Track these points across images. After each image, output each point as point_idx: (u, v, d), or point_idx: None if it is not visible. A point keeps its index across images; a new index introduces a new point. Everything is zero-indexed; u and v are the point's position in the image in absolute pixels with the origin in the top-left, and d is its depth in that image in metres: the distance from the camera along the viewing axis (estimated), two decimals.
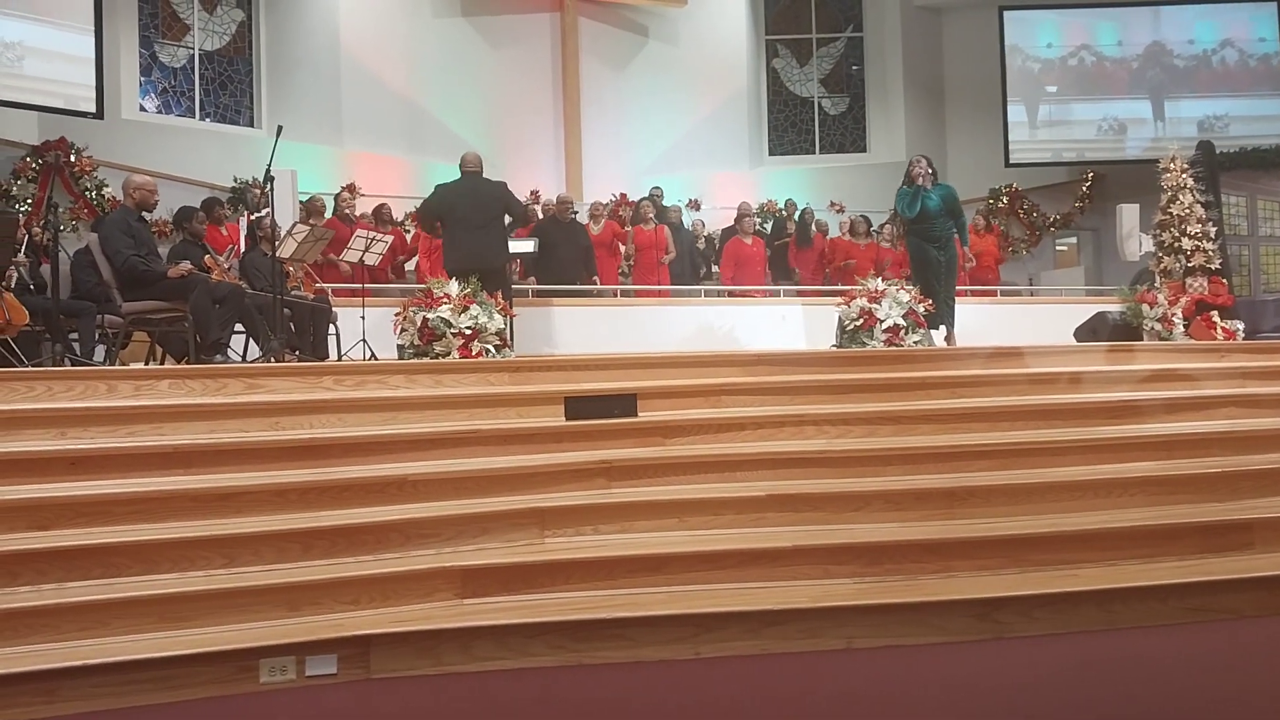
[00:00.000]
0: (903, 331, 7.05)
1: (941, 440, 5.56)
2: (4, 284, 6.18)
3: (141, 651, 3.69)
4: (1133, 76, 14.18)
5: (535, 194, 12.77)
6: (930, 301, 7.45)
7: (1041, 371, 6.44)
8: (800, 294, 10.63)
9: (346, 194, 10.59)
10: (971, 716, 3.42)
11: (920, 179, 7.99)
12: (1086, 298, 11.29)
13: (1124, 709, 3.42)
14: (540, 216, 10.74)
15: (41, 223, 7.26)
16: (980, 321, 9.08)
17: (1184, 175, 9.27)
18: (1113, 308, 8.34)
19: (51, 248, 6.50)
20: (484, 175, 7.81)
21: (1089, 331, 8.31)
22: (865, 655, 4.02)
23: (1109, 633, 4.18)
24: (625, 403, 5.59)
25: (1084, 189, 14.15)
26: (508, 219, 7.81)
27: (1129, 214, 10.98)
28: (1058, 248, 14.82)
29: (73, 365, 5.96)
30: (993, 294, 11.45)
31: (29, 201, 10.10)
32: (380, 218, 10.19)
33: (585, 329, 9.16)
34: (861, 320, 7.11)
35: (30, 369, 5.40)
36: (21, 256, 6.46)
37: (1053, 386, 6.30)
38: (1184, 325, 8.04)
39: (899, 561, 4.53)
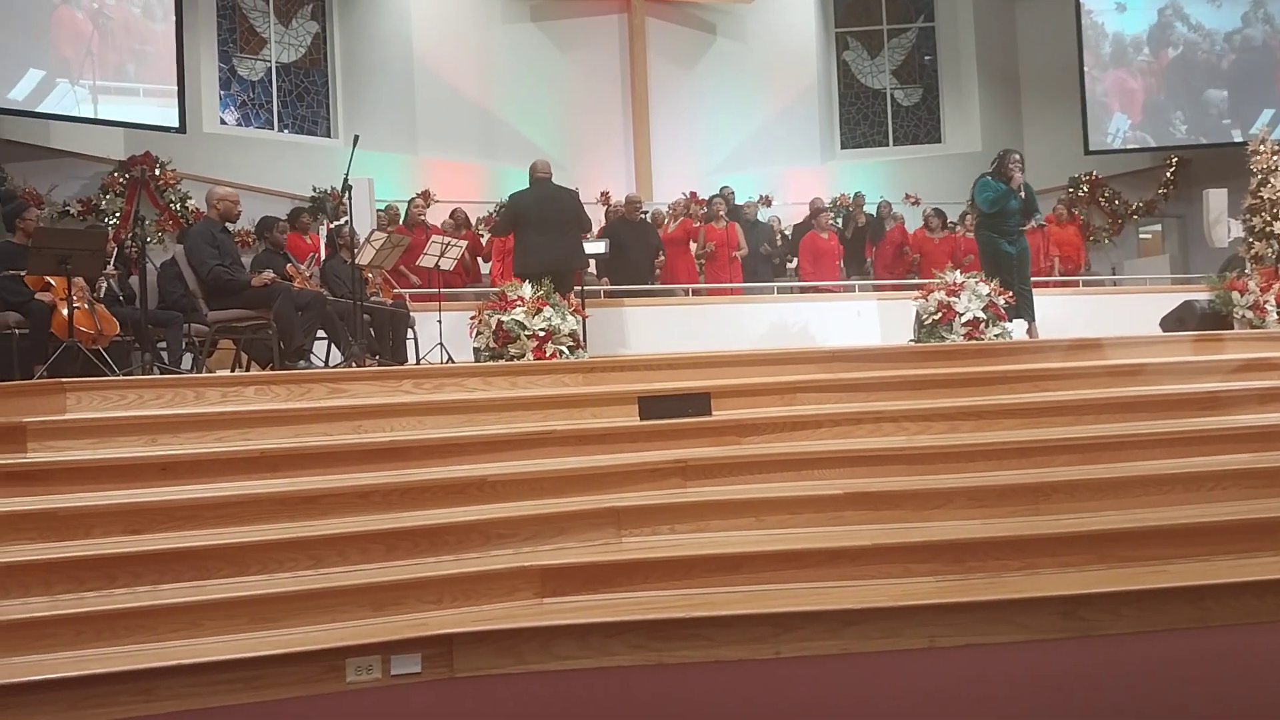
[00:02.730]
0: (982, 325, 6.93)
1: (1024, 435, 5.45)
2: (94, 295, 6.40)
3: (232, 652, 3.78)
4: (1216, 58, 13.74)
5: (605, 195, 12.82)
6: (1010, 294, 7.31)
7: (1127, 363, 6.28)
8: (877, 289, 10.51)
9: (420, 201, 10.73)
10: (1056, 716, 3.35)
11: (1018, 183, 7.82)
12: (1172, 286, 10.96)
13: (1215, 709, 3.33)
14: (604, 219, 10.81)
15: (129, 235, 7.50)
16: (1062, 313, 8.89)
17: (1275, 158, 8.97)
18: (1201, 296, 8.10)
19: (139, 259, 6.71)
20: (554, 181, 7.92)
21: (1176, 321, 8.08)
22: (948, 654, 3.96)
23: (1200, 630, 4.06)
24: (699, 402, 5.58)
25: (1168, 175, 13.76)
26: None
27: (1216, 199, 10.67)
28: (1141, 236, 14.42)
29: (161, 374, 6.14)
30: (1075, 285, 11.20)
31: (117, 215, 10.44)
32: (456, 222, 10.32)
33: (658, 329, 9.18)
34: (940, 314, 7.00)
35: (121, 378, 5.56)
36: (111, 268, 6.68)
37: (1139, 378, 6.13)
38: (1277, 312, 7.77)
39: (981, 559, 4.45)
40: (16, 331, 6.08)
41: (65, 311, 5.93)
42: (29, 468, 4.52)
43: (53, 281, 6.11)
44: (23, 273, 6.10)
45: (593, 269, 10.00)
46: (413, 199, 9.75)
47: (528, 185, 7.94)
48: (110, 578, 4.07)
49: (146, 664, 3.69)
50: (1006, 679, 3.69)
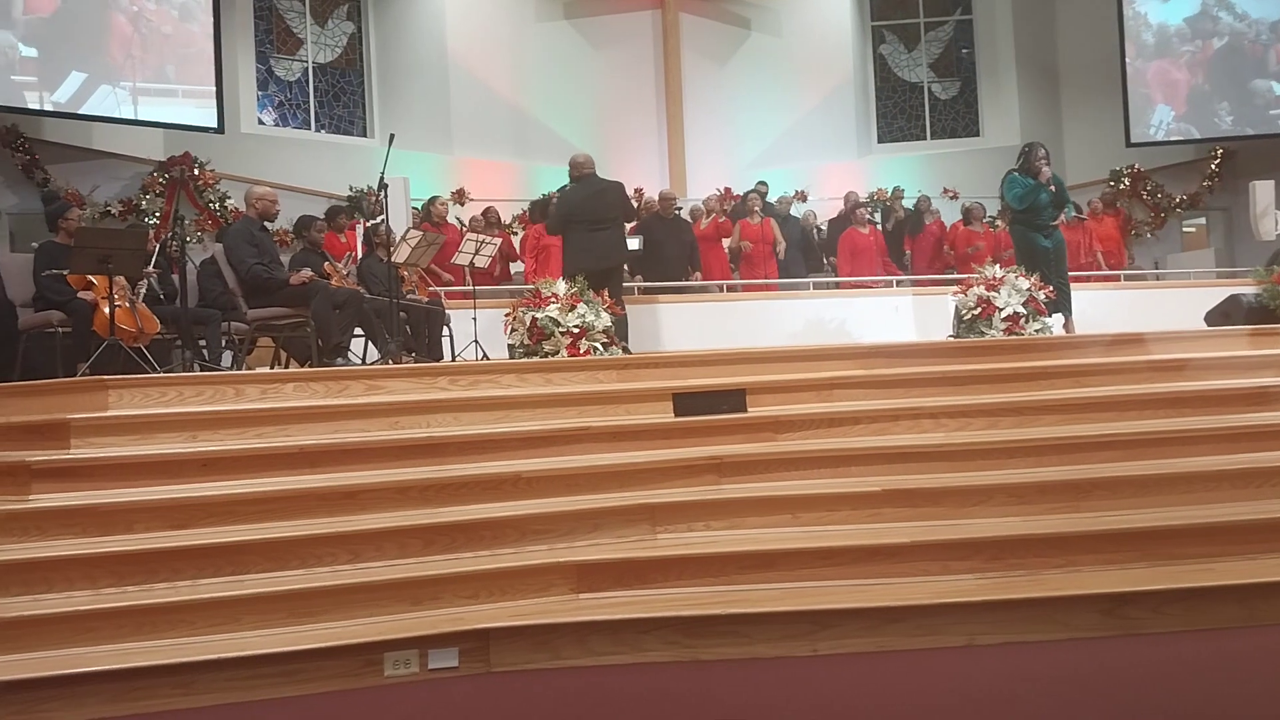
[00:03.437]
0: (1023, 320, 6.85)
1: (1065, 431, 5.38)
2: (136, 294, 6.48)
3: (271, 646, 3.81)
4: (1261, 48, 13.50)
5: (639, 192, 12.80)
6: (1050, 289, 7.23)
7: (1171, 358, 6.18)
8: (915, 284, 10.43)
9: (443, 200, 10.72)
10: (1099, 715, 3.29)
11: (1046, 177, 7.75)
12: (1218, 280, 10.79)
13: (1263, 710, 3.26)
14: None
15: (169, 235, 7.59)
16: (1104, 308, 8.77)
17: None
18: (1247, 290, 7.96)
19: (179, 258, 6.79)
20: (597, 175, 7.83)
21: (1221, 315, 7.95)
22: (987, 652, 3.91)
23: (1247, 630, 3.98)
24: (734, 398, 5.55)
25: (1212, 167, 13.54)
26: None
27: (1263, 191, 10.49)
28: (1185, 229, 14.20)
29: (202, 371, 6.21)
30: (1116, 279, 11.05)
31: (157, 215, 10.56)
32: (488, 221, 10.35)
33: (692, 325, 9.16)
34: (979, 309, 6.93)
35: (162, 375, 5.63)
36: (152, 267, 6.76)
37: (1183, 373, 6.04)
38: None
39: (1022, 556, 4.40)
40: (59, 330, 6.17)
41: (107, 310, 6.00)
42: (72, 464, 4.58)
43: (94, 280, 6.19)
44: (65, 272, 6.18)
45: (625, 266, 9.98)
46: (434, 197, 9.77)
47: (570, 182, 7.83)
48: (151, 572, 4.12)
49: (187, 657, 3.73)
50: (1047, 677, 3.64)
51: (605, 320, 6.36)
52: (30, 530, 4.24)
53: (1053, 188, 7.81)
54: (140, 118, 10.88)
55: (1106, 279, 10.97)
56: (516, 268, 10.54)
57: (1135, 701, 3.39)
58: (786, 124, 14.56)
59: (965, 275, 7.82)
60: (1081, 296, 7.96)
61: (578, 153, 8.09)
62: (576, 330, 6.22)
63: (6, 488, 4.49)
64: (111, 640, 3.85)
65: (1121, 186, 13.57)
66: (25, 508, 4.31)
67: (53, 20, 10.31)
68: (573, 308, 6.29)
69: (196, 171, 10.99)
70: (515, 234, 11.14)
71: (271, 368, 7.32)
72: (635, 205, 8.14)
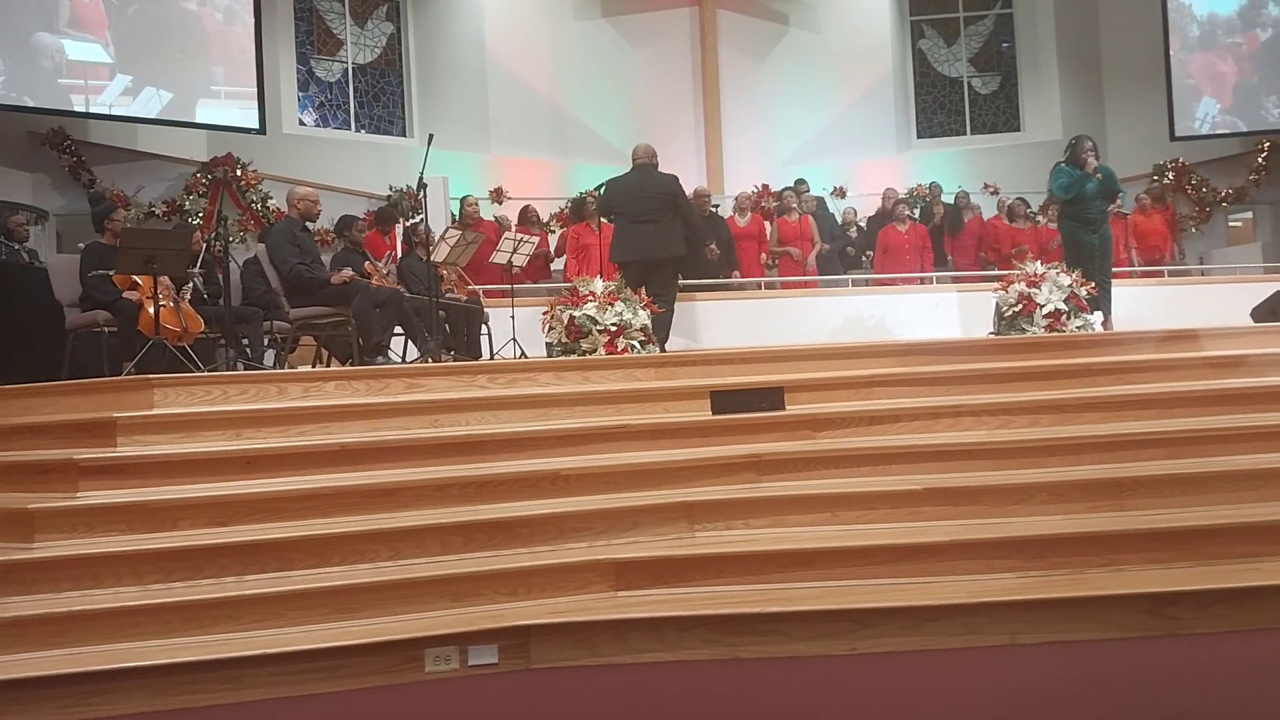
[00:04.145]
0: (1064, 316, 6.78)
1: (1109, 429, 5.30)
2: (182, 295, 6.58)
3: (314, 641, 3.86)
4: None
5: None
6: (1092, 285, 7.15)
7: (1217, 354, 6.08)
8: (955, 280, 10.34)
9: (471, 200, 10.75)
10: (1144, 715, 3.26)
11: (1092, 167, 7.67)
12: (1265, 276, 10.60)
13: None
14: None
15: (212, 235, 7.69)
16: (1147, 304, 8.65)
17: None
18: None
19: (223, 258, 6.87)
20: (656, 168, 7.70)
21: (1268, 311, 7.81)
22: (1029, 651, 3.88)
23: None
24: (772, 396, 5.53)
25: (1260, 160, 13.29)
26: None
27: None
28: (1230, 224, 13.96)
29: (245, 370, 6.28)
30: (1159, 275, 10.89)
31: (200, 215, 10.70)
32: (526, 219, 10.38)
33: (730, 323, 9.14)
34: (1020, 306, 6.87)
35: (206, 374, 5.70)
36: (198, 269, 6.86)
37: (1230, 369, 5.94)
38: None
39: (1064, 555, 4.35)
40: (106, 329, 6.26)
41: (152, 310, 6.09)
42: (118, 461, 4.65)
43: (139, 281, 6.28)
44: (111, 272, 6.28)
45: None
46: (466, 197, 9.82)
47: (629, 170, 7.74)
48: (197, 568, 4.17)
49: (232, 652, 3.78)
50: (1090, 677, 3.60)
51: (643, 318, 6.36)
52: (79, 526, 4.31)
53: (1099, 176, 7.72)
54: (184, 119, 11.03)
55: (1150, 274, 10.82)
56: (555, 266, 10.57)
57: (1181, 702, 3.35)
58: (825, 120, 14.48)
59: (1006, 272, 7.74)
60: (1125, 293, 7.86)
61: (641, 142, 7.93)
62: (614, 328, 6.23)
63: (55, 485, 4.57)
64: (159, 635, 3.90)
65: (1166, 181, 13.36)
66: (74, 504, 4.38)
67: (99, 25, 10.47)
68: (610, 306, 6.30)
69: (239, 172, 11.11)
70: (553, 233, 11.16)
71: (313, 366, 7.39)
72: (696, 211, 7.71)
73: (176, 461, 4.70)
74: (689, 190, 10.32)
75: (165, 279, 6.30)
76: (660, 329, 7.01)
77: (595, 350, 6.19)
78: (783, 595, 4.19)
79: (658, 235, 7.46)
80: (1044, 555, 4.35)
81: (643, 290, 6.73)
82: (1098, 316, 7.50)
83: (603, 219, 8.32)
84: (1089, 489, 4.77)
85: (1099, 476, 4.86)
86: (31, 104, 10.08)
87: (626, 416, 5.37)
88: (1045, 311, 6.79)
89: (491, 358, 7.68)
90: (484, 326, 7.97)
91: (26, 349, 6.57)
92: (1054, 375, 5.86)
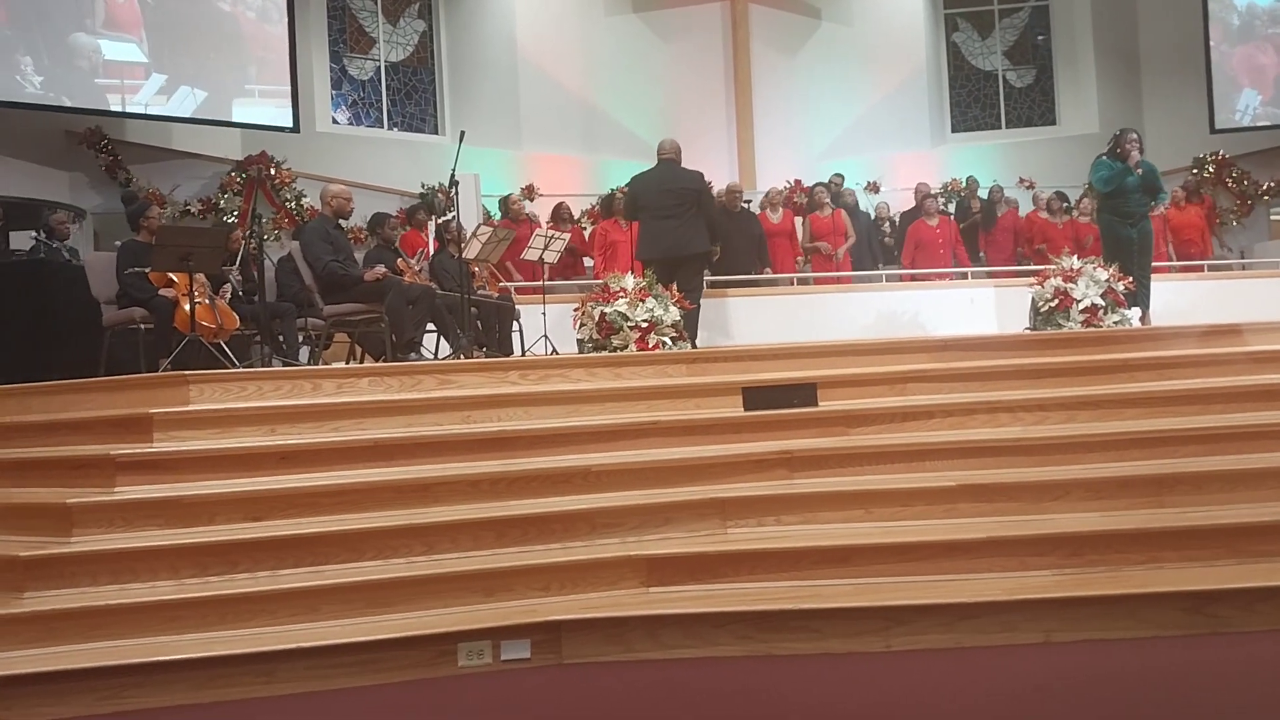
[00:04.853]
0: (1101, 312, 6.70)
1: (1147, 425, 5.24)
2: (220, 294, 6.63)
3: (349, 635, 3.88)
4: None
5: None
6: (1130, 280, 7.06)
7: (1258, 349, 6.00)
8: (990, 275, 10.24)
9: (516, 196, 10.82)
10: (1183, 714, 3.21)
11: (1135, 161, 7.56)
12: None
13: None
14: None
15: (247, 233, 7.75)
16: (1186, 299, 8.53)
17: None
18: None
19: (257, 256, 6.92)
20: (680, 164, 7.70)
21: None
22: (1065, 649, 3.83)
23: None
24: (805, 392, 5.51)
25: None
26: None
27: None
28: (1272, 217, 13.72)
29: (280, 366, 6.33)
30: (1199, 269, 10.73)
31: (235, 213, 10.79)
32: (559, 216, 10.40)
33: (762, 319, 9.10)
34: (1056, 301, 6.80)
35: (242, 370, 5.74)
36: (235, 267, 6.91)
37: (1271, 365, 5.84)
38: None
39: (1102, 552, 4.30)
40: (142, 326, 6.32)
41: (187, 307, 6.14)
42: (155, 457, 4.69)
43: (175, 278, 6.33)
44: (147, 270, 6.34)
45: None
46: (508, 196, 9.85)
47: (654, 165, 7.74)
48: (232, 563, 4.21)
49: (268, 646, 3.81)
50: (1128, 676, 3.55)
51: (674, 315, 6.35)
52: (116, 521, 4.35)
53: (1140, 171, 7.62)
54: (218, 118, 11.12)
55: (1189, 269, 10.67)
56: (587, 262, 10.58)
57: (1221, 702, 3.30)
58: (857, 114, 14.39)
59: (1042, 266, 7.67)
60: (1164, 287, 7.75)
61: (667, 138, 7.94)
62: (645, 325, 6.22)
63: (93, 480, 4.61)
64: (195, 629, 3.94)
65: (1205, 174, 13.16)
66: (111, 499, 4.42)
67: (134, 24, 10.58)
68: (641, 302, 6.29)
69: (273, 170, 11.19)
70: (585, 229, 11.17)
71: (347, 362, 7.43)
72: (718, 209, 7.71)
73: (212, 457, 4.73)
74: (721, 186, 10.36)
75: (201, 276, 6.35)
76: (689, 326, 6.99)
77: (626, 346, 6.18)
78: (816, 592, 4.17)
79: (681, 232, 7.47)
80: (1081, 552, 4.30)
81: (673, 286, 6.71)
82: (1135, 312, 7.41)
83: (628, 220, 8.32)
84: (1127, 485, 4.71)
85: (1137, 473, 4.80)
86: (69, 104, 10.21)
87: (658, 413, 5.36)
88: (1082, 306, 6.72)
89: (523, 354, 7.69)
90: (515, 323, 7.98)
91: (65, 346, 6.65)
92: (1091, 371, 5.80)
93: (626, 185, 7.93)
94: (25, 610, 3.91)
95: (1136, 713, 3.26)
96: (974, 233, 11.18)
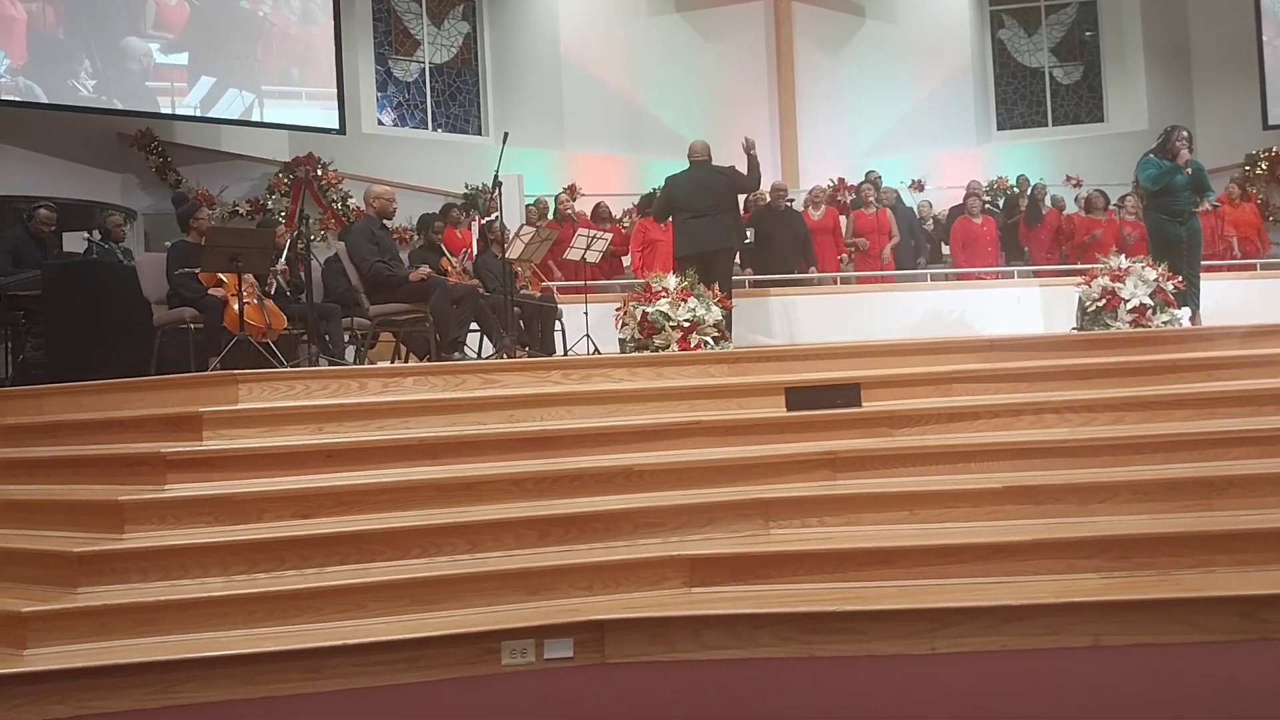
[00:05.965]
0: (1150, 311, 6.60)
1: (1197, 427, 5.16)
2: (264, 291, 6.72)
3: (394, 632, 3.92)
4: None
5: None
6: (1179, 279, 6.94)
7: None
8: (1036, 275, 10.12)
9: (565, 195, 10.87)
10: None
11: (1184, 160, 7.44)
12: None
13: None
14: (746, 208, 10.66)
15: (294, 233, 7.83)
16: (1238, 298, 8.37)
17: None
18: None
19: (305, 256, 7.00)
20: (711, 163, 7.81)
21: None
22: (1114, 653, 3.79)
23: None
24: (848, 392, 5.47)
25: None
26: (741, 199, 7.82)
27: None
28: None
29: (327, 365, 6.40)
30: (1251, 268, 10.53)
31: (283, 214, 10.93)
32: (597, 216, 10.41)
33: (805, 318, 9.06)
34: (1104, 301, 6.70)
35: (290, 369, 5.81)
36: (283, 264, 7.00)
37: None
38: None
39: (1151, 556, 4.25)
40: (192, 326, 6.41)
41: (236, 307, 6.23)
42: (205, 455, 4.75)
43: (224, 278, 6.42)
44: (197, 270, 6.43)
45: (737, 259, 9.90)
46: (557, 194, 9.90)
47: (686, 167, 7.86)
48: (280, 560, 4.26)
49: (314, 643, 3.86)
50: (1178, 680, 3.50)
51: (716, 314, 6.34)
52: (167, 518, 4.42)
53: (1189, 170, 7.49)
54: (266, 120, 11.28)
55: (1241, 268, 10.47)
56: (624, 260, 10.58)
57: (1274, 708, 3.24)
58: (902, 112, 14.27)
59: (1089, 265, 7.56)
60: (1215, 286, 7.61)
61: (697, 139, 8.07)
62: (687, 324, 6.22)
63: (144, 477, 4.69)
64: (243, 625, 4.00)
65: (1259, 171, 12.91)
66: (161, 497, 4.49)
67: (184, 28, 10.75)
68: (683, 302, 6.29)
69: (320, 172, 11.32)
70: (626, 228, 11.17)
71: (392, 362, 7.50)
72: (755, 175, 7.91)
73: (260, 455, 4.78)
74: (765, 185, 10.33)
75: (249, 276, 6.43)
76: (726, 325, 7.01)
77: (668, 346, 6.18)
78: (860, 594, 4.16)
79: (713, 227, 7.57)
80: (1129, 555, 4.25)
81: (715, 286, 6.71)
82: (1185, 312, 7.29)
83: (660, 220, 8.39)
84: (1176, 488, 4.65)
85: (1187, 475, 4.73)
86: (121, 106, 10.40)
87: (700, 412, 5.36)
88: (1130, 306, 6.62)
89: (565, 354, 7.72)
90: (558, 323, 8.01)
91: (117, 345, 6.76)
92: (1139, 371, 5.71)
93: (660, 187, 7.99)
94: (79, 605, 3.98)
95: (1188, 718, 3.21)
96: (1014, 231, 11.06)
